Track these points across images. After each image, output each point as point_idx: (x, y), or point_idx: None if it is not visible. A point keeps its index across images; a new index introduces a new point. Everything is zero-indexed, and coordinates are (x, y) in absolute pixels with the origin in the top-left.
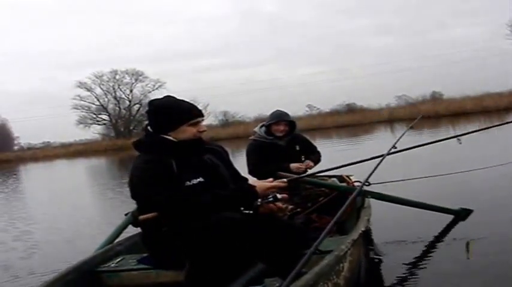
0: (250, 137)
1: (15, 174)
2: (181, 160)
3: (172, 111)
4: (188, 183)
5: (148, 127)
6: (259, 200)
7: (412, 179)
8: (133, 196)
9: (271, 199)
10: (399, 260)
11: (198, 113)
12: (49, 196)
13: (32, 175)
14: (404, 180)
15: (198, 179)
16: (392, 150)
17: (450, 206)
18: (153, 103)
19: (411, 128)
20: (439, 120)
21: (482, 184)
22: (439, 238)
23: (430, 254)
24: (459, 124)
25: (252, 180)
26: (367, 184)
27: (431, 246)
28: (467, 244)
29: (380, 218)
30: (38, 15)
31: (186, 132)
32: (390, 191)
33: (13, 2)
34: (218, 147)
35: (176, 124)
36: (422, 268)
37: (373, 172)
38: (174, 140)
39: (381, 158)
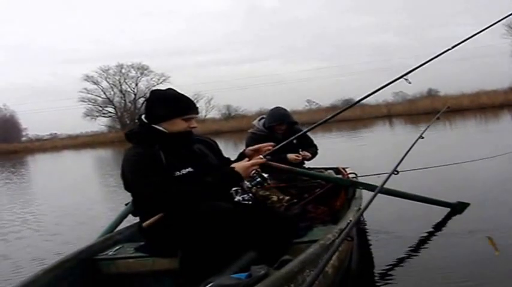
0: (249, 130)
1: (24, 165)
2: (170, 151)
3: (170, 103)
4: (178, 173)
5: (143, 116)
6: (247, 183)
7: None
8: (126, 188)
9: (259, 180)
10: (391, 251)
11: (194, 110)
12: (71, 187)
13: (45, 165)
14: (431, 167)
15: (187, 169)
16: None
17: (446, 199)
18: (154, 92)
19: (438, 119)
20: (436, 115)
21: (475, 175)
22: (433, 231)
23: (423, 247)
24: (455, 120)
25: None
26: (395, 173)
27: (424, 239)
28: (489, 240)
29: (373, 209)
30: (45, 9)
31: (178, 125)
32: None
33: None
34: (208, 139)
35: (170, 115)
36: (413, 260)
37: (401, 160)
38: (165, 131)
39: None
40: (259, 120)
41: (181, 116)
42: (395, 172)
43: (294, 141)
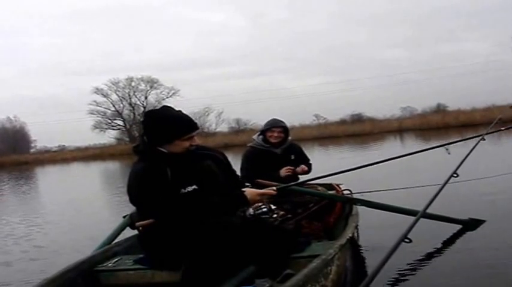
0: (248, 144)
1: (34, 179)
2: (176, 168)
3: (168, 126)
4: (183, 191)
5: (144, 137)
6: (252, 211)
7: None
8: (131, 201)
9: (265, 210)
10: (389, 268)
11: (193, 128)
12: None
13: (57, 177)
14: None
15: (193, 187)
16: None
17: (459, 217)
18: (149, 115)
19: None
20: (447, 131)
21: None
22: (438, 248)
23: (425, 264)
24: (467, 134)
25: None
26: (455, 175)
27: (428, 255)
28: None
29: (369, 225)
30: (55, 23)
31: (179, 146)
32: (388, 199)
33: (30, 10)
34: (219, 153)
35: (170, 138)
36: (410, 275)
37: (461, 163)
38: (166, 152)
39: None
40: (259, 135)
41: (180, 137)
42: (455, 175)
43: (292, 157)
